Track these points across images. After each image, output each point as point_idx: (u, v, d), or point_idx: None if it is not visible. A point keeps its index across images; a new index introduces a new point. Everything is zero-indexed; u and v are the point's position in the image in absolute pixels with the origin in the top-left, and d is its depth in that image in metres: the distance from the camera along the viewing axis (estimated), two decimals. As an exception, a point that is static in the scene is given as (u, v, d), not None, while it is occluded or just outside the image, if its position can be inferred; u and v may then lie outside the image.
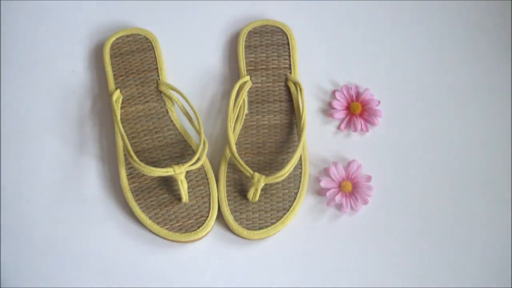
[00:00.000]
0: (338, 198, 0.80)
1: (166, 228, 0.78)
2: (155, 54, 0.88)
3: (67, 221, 0.80)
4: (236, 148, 0.83)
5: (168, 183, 0.81)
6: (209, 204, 0.80)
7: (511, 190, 0.82)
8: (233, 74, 0.89)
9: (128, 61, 0.88)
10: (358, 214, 0.81)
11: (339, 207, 0.80)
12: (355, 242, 0.80)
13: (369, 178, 0.81)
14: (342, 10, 0.93)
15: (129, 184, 0.81)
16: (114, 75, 0.87)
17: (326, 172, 0.82)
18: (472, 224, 0.81)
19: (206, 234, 0.79)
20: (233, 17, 0.92)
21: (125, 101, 0.85)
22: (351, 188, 0.81)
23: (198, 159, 0.80)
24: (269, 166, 0.82)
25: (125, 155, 0.82)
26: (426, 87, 0.88)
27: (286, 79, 0.87)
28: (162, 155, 0.82)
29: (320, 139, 0.85)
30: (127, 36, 0.89)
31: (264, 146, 0.83)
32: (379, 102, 0.86)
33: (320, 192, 0.82)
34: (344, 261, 0.79)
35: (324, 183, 0.80)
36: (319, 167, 0.83)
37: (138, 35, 0.89)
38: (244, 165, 0.79)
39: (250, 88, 0.86)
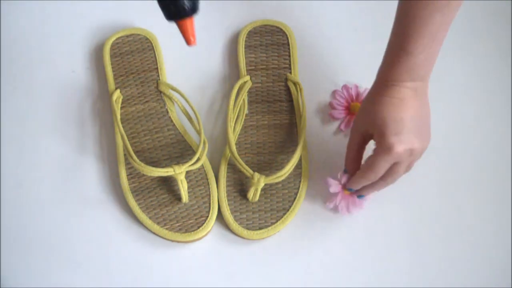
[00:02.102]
0: (338, 199, 0.79)
1: (166, 228, 0.78)
2: (155, 54, 0.88)
3: (67, 221, 0.80)
4: (236, 148, 0.83)
5: (168, 183, 0.81)
6: (209, 204, 0.80)
7: (511, 190, 0.82)
8: (233, 74, 0.89)
9: (128, 61, 0.88)
10: (358, 214, 0.81)
11: (339, 207, 0.80)
12: (355, 242, 0.80)
13: None
14: (342, 10, 0.93)
15: (129, 184, 0.81)
16: (114, 75, 0.87)
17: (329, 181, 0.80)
18: (472, 224, 0.80)
19: (206, 234, 0.79)
20: (233, 17, 0.92)
21: (125, 101, 0.85)
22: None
23: (198, 159, 0.80)
24: (269, 166, 0.82)
25: (125, 155, 0.82)
26: (426, 87, 0.88)
27: (286, 79, 0.87)
28: (162, 155, 0.82)
29: (320, 139, 0.85)
30: (127, 36, 0.89)
31: (264, 146, 0.83)
32: (379, 102, 0.86)
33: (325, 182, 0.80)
34: (344, 261, 0.79)
35: (332, 187, 0.79)
36: (319, 167, 0.83)
37: (138, 35, 0.89)
38: (244, 165, 0.79)
39: (250, 88, 0.86)
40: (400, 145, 0.69)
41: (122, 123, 0.84)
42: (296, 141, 0.83)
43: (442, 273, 0.78)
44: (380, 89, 0.72)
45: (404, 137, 0.69)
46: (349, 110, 0.86)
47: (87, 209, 0.81)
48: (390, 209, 0.81)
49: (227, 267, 0.79)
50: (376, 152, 0.71)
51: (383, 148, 0.70)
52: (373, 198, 0.81)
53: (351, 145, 0.77)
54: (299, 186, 0.81)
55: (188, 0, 0.60)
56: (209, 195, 0.80)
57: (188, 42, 0.62)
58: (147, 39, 0.89)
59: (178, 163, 0.81)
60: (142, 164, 0.77)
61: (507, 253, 0.79)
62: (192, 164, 0.79)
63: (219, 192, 0.81)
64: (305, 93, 0.86)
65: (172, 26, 0.94)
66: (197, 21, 0.91)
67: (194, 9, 0.61)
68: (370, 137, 0.74)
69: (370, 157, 0.72)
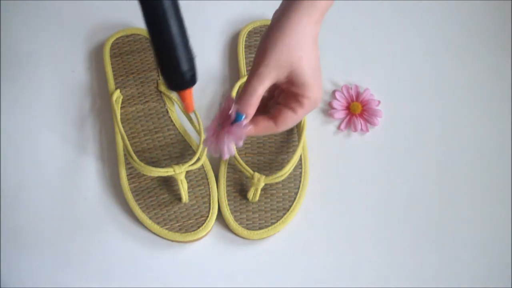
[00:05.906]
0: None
1: (166, 228, 0.78)
2: (155, 54, 0.88)
3: (67, 221, 0.80)
4: (236, 148, 0.83)
5: (168, 183, 0.81)
6: (209, 204, 0.80)
7: (511, 190, 0.82)
8: (233, 74, 0.89)
9: (128, 61, 0.88)
10: (358, 214, 0.81)
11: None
12: (355, 242, 0.80)
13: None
14: (342, 10, 0.93)
15: (129, 184, 0.81)
16: (114, 75, 0.87)
17: None
18: (473, 224, 0.80)
19: (206, 234, 0.79)
20: (233, 17, 0.92)
21: (125, 101, 0.85)
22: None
23: (198, 159, 0.80)
24: (269, 166, 0.82)
25: (125, 155, 0.82)
26: (426, 87, 0.88)
27: (286, 79, 0.86)
28: (162, 155, 0.82)
29: (320, 139, 0.85)
30: (127, 36, 0.89)
31: (264, 146, 0.83)
32: (379, 102, 0.86)
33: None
34: (344, 261, 0.79)
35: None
36: (319, 167, 0.83)
37: (138, 35, 0.89)
38: (244, 165, 0.79)
39: (250, 88, 0.86)
40: None
41: (122, 123, 0.84)
42: (296, 141, 0.83)
43: (442, 273, 0.78)
44: None
45: None
46: (349, 110, 0.86)
47: (86, 209, 0.81)
48: (391, 210, 0.81)
49: (227, 267, 0.79)
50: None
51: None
52: (373, 199, 0.81)
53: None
54: (299, 186, 0.81)
55: (189, 72, 0.61)
56: (209, 195, 0.80)
57: (187, 109, 0.64)
58: (147, 39, 0.89)
59: (178, 163, 0.81)
60: (142, 164, 0.77)
61: (507, 253, 0.79)
62: (192, 164, 0.79)
63: (219, 192, 0.81)
64: (305, 93, 0.86)
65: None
66: (198, 21, 0.92)
67: (193, 81, 0.63)
68: None
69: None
